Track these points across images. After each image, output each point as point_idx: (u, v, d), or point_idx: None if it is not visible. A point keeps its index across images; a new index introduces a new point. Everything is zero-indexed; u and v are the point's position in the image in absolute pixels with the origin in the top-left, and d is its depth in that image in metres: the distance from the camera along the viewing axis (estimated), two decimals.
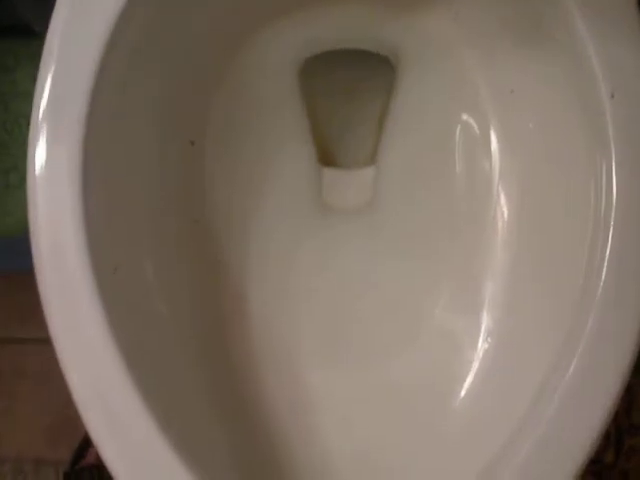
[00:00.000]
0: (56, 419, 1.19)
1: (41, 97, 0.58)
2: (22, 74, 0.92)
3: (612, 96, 0.56)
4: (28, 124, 0.90)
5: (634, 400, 1.09)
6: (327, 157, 0.81)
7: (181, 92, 0.71)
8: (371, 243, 0.78)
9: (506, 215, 0.71)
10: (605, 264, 0.54)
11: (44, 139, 0.57)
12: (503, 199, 0.71)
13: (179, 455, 0.53)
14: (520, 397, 0.59)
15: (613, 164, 0.55)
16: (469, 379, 0.69)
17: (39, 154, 0.56)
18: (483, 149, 0.73)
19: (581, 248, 0.58)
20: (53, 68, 0.58)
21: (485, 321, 0.70)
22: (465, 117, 0.74)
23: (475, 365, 0.69)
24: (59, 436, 1.20)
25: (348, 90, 0.82)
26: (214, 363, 0.71)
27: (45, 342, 1.17)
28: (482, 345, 0.69)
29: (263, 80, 0.78)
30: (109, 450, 0.54)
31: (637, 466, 1.09)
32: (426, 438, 0.69)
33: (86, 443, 1.12)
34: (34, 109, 0.58)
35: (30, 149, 0.57)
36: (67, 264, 0.55)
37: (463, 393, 0.69)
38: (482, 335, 0.70)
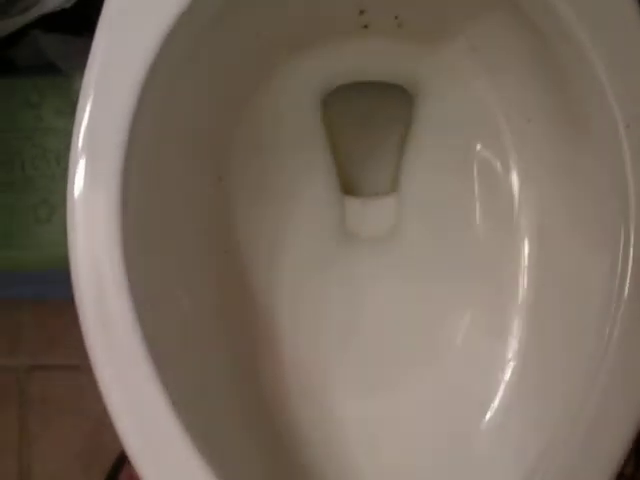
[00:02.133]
0: (87, 444, 1.19)
1: (79, 134, 0.59)
2: (47, 110, 0.93)
3: (628, 126, 0.57)
4: (55, 159, 0.93)
5: None
6: (349, 186, 0.82)
7: (208, 127, 0.73)
8: (395, 270, 0.80)
9: (526, 243, 0.73)
10: (626, 291, 0.56)
11: (82, 176, 0.58)
12: (523, 227, 0.73)
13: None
14: (545, 422, 0.61)
15: (631, 200, 0.56)
16: (495, 403, 0.70)
17: (77, 188, 0.58)
18: (502, 178, 0.75)
19: (602, 279, 0.59)
20: (90, 103, 0.59)
21: (509, 345, 0.71)
22: (483, 146, 0.76)
23: (500, 388, 0.71)
24: (91, 462, 1.20)
25: (368, 119, 0.83)
26: (246, 394, 0.73)
27: (73, 369, 1.19)
28: (506, 369, 0.71)
29: (285, 112, 0.79)
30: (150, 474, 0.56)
31: None
32: (453, 463, 0.70)
33: (118, 468, 1.13)
34: (72, 145, 0.59)
35: (69, 186, 0.58)
36: (107, 298, 0.57)
37: (489, 416, 0.70)
38: (506, 359, 0.71)
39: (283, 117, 0.79)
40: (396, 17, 0.74)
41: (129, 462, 0.56)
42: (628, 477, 1.08)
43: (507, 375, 0.71)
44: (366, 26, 0.75)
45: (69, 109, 0.91)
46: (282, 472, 0.71)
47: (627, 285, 0.56)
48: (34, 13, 0.84)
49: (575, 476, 0.56)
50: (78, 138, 0.58)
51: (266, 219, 0.78)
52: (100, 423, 1.13)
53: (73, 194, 0.58)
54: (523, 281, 0.72)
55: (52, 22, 0.89)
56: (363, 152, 0.83)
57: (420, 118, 0.80)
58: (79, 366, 1.16)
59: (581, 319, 0.63)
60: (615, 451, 0.56)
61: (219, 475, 0.56)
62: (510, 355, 0.71)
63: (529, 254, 0.72)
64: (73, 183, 0.58)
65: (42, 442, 1.22)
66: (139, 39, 0.59)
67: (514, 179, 0.74)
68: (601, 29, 0.58)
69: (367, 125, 0.83)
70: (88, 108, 0.59)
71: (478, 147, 0.77)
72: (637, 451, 1.08)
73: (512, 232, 0.74)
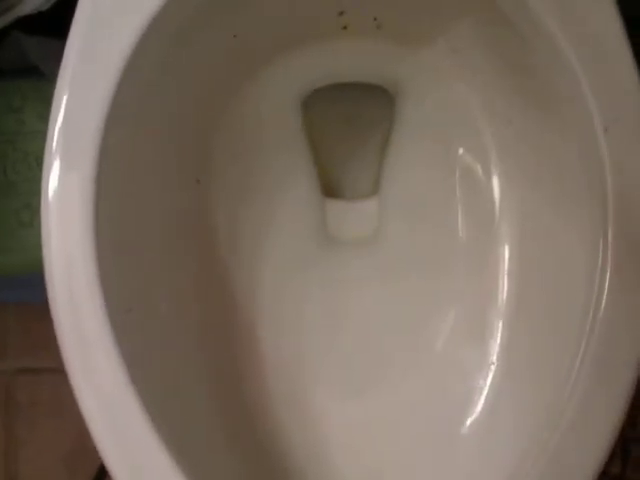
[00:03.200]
0: (73, 448, 1.20)
1: (53, 136, 0.59)
2: (30, 114, 0.94)
3: (606, 129, 0.57)
4: (37, 163, 0.92)
5: (639, 410, 1.09)
6: (330, 188, 0.83)
7: (185, 130, 0.73)
8: (376, 273, 0.79)
9: (507, 246, 0.73)
10: (605, 292, 0.56)
11: (56, 176, 0.58)
12: (504, 230, 0.73)
13: None
14: (527, 424, 0.61)
15: (610, 203, 0.56)
16: (477, 405, 0.71)
17: (52, 192, 0.58)
18: (483, 180, 0.75)
19: (581, 280, 0.59)
20: (65, 104, 0.59)
21: (491, 347, 0.71)
22: (464, 148, 0.76)
23: (483, 390, 0.71)
24: (77, 464, 1.20)
25: (349, 121, 0.83)
26: (228, 397, 0.72)
27: (59, 372, 1.18)
28: (488, 371, 0.71)
29: (264, 115, 0.79)
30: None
31: None
32: (435, 465, 0.70)
33: (103, 470, 1.13)
34: (47, 148, 0.59)
35: (43, 186, 0.58)
36: (80, 305, 0.57)
37: (471, 419, 0.70)
38: (488, 361, 0.71)
39: (263, 119, 0.79)
40: (375, 18, 0.74)
41: None
42: (615, 477, 1.09)
43: (489, 377, 0.71)
44: (345, 27, 0.75)
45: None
46: (263, 476, 0.70)
47: (607, 282, 0.56)
48: (13, 15, 0.84)
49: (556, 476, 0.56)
50: (52, 139, 0.59)
51: (247, 222, 0.78)
52: (86, 426, 1.13)
53: (47, 196, 0.58)
54: (505, 283, 0.72)
55: (34, 25, 0.89)
56: (344, 154, 0.83)
57: (401, 120, 0.80)
58: (65, 370, 1.16)
59: (563, 320, 0.63)
60: (597, 452, 0.56)
61: (188, 472, 0.56)
62: (493, 357, 0.71)
63: (510, 256, 0.72)
64: (47, 184, 0.58)
65: (28, 445, 1.23)
66: (114, 39, 0.59)
67: (495, 181, 0.74)
68: (573, 23, 0.58)
69: (348, 127, 0.84)
70: (62, 109, 0.59)
71: (460, 149, 0.77)
72: (623, 450, 1.08)
73: (494, 234, 0.74)
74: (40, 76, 0.93)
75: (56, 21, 0.88)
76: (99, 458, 1.14)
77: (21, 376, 1.23)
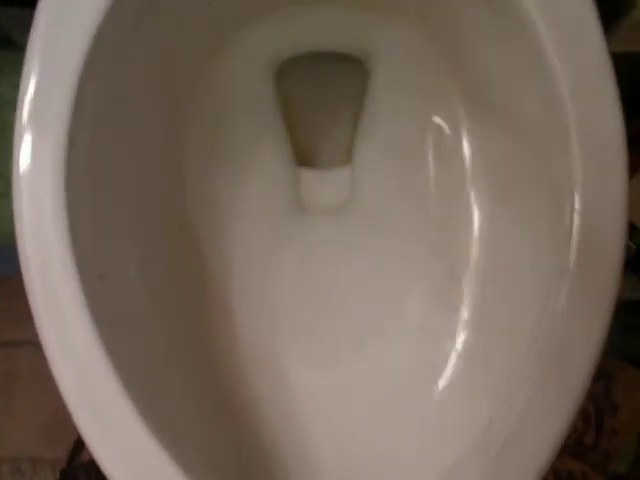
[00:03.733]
0: (52, 419, 1.21)
1: (23, 103, 0.59)
2: (5, 84, 0.94)
3: (573, 96, 0.57)
4: (12, 133, 0.92)
5: (613, 381, 1.10)
6: (304, 158, 0.83)
7: (159, 96, 0.73)
8: (348, 242, 0.80)
9: (477, 215, 0.73)
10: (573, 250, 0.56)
11: (28, 146, 0.58)
12: (474, 199, 0.74)
13: (169, 456, 0.55)
14: (491, 390, 0.62)
15: (576, 179, 0.57)
16: (447, 370, 0.71)
17: (23, 161, 0.58)
18: (454, 150, 0.76)
19: (550, 249, 0.59)
20: (36, 73, 0.59)
21: (460, 315, 0.72)
22: (437, 118, 0.77)
23: (451, 357, 0.71)
24: (55, 435, 1.21)
25: (323, 91, 0.84)
26: (201, 366, 0.73)
27: (38, 345, 1.18)
28: (457, 339, 0.72)
29: (238, 84, 0.79)
30: (103, 454, 0.56)
31: (618, 446, 1.10)
32: (408, 428, 0.71)
33: (81, 442, 1.14)
34: (17, 115, 0.59)
35: (14, 156, 0.58)
36: (53, 273, 0.57)
37: (442, 384, 0.71)
38: (458, 328, 0.72)
39: (237, 88, 0.79)
40: None
41: None
42: (590, 447, 1.10)
43: (458, 345, 0.71)
44: None
45: None
46: (238, 443, 0.71)
47: (573, 250, 0.56)
48: None
49: (519, 443, 0.56)
50: (22, 109, 0.59)
51: (220, 189, 0.78)
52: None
53: (19, 166, 0.58)
54: (474, 252, 0.73)
55: None
56: (318, 124, 0.84)
57: (375, 90, 0.81)
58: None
59: (528, 289, 0.64)
60: (561, 416, 0.57)
61: (172, 449, 0.56)
62: (461, 324, 0.72)
63: (480, 226, 0.73)
64: (18, 155, 0.58)
65: (7, 416, 1.24)
66: (84, 6, 0.59)
67: (466, 148, 0.75)
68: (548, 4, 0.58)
69: (322, 97, 0.84)
70: (33, 78, 0.59)
71: (431, 119, 0.77)
72: (597, 421, 1.10)
73: (464, 204, 0.74)
74: (14, 47, 0.93)
75: None
76: (77, 430, 1.15)
77: (0, 348, 1.24)
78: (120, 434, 0.56)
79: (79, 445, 1.15)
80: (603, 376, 1.10)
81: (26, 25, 0.90)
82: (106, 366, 0.56)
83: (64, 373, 0.57)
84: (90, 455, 1.10)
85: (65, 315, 0.57)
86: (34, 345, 1.20)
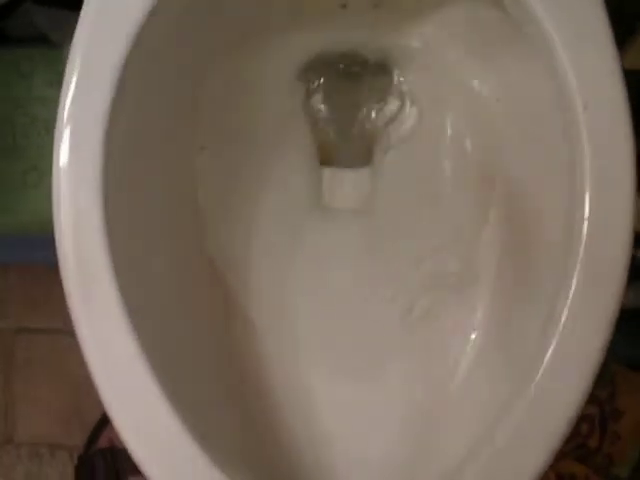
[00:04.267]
0: (70, 406, 1.23)
1: (65, 101, 0.61)
2: (38, 80, 0.96)
3: (585, 108, 0.59)
4: (45, 128, 0.95)
5: (617, 387, 1.12)
6: (326, 157, 0.85)
7: (191, 99, 0.76)
8: (368, 242, 0.82)
9: (491, 218, 0.77)
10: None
11: (67, 143, 0.60)
12: (491, 202, 0.77)
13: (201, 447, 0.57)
14: (499, 393, 0.63)
15: (587, 182, 0.59)
16: (461, 368, 0.74)
17: (63, 158, 0.60)
18: (470, 152, 0.79)
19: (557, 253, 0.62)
20: (77, 72, 0.61)
21: (474, 315, 0.76)
22: (455, 123, 0.80)
23: (466, 355, 0.74)
24: (73, 422, 1.23)
25: (347, 94, 0.86)
26: (221, 362, 0.76)
27: (57, 332, 1.22)
28: (472, 338, 0.75)
29: (263, 85, 0.82)
30: (131, 438, 0.58)
31: (621, 451, 1.12)
32: (422, 427, 0.74)
33: (99, 428, 1.16)
34: (59, 113, 0.61)
35: (55, 152, 0.61)
36: (89, 266, 0.59)
37: (457, 380, 0.74)
38: (472, 327, 0.75)
39: (262, 89, 0.82)
40: None
41: (110, 424, 0.58)
42: (594, 450, 1.12)
43: (471, 343, 0.74)
44: (344, 5, 0.78)
45: (59, 80, 0.93)
46: (260, 449, 0.73)
47: (583, 240, 0.58)
48: None
49: (529, 431, 0.58)
50: (64, 108, 0.61)
51: (244, 187, 0.81)
52: (82, 385, 1.16)
53: (58, 161, 0.61)
54: (491, 255, 0.76)
55: None
56: (341, 124, 0.86)
57: (397, 95, 0.83)
58: (63, 329, 1.19)
59: (539, 287, 0.67)
60: (570, 404, 0.57)
61: (188, 424, 0.58)
62: (475, 323, 0.75)
63: (494, 227, 0.76)
64: (59, 150, 0.61)
65: (26, 402, 1.27)
66: (125, 13, 0.61)
67: (482, 153, 0.78)
68: (559, 7, 0.60)
69: (346, 99, 0.86)
70: (74, 79, 0.62)
71: (449, 123, 0.80)
72: (601, 424, 1.11)
73: (480, 206, 0.77)
74: (49, 44, 0.96)
75: None
76: (95, 416, 1.18)
77: (20, 335, 1.27)
78: (142, 409, 0.58)
79: (97, 432, 1.17)
80: (608, 382, 1.12)
81: (61, 24, 0.94)
82: (133, 346, 0.58)
83: (93, 353, 0.59)
84: (107, 442, 1.13)
85: (98, 307, 0.59)
86: (54, 332, 1.23)
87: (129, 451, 0.58)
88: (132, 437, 0.58)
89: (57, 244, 0.61)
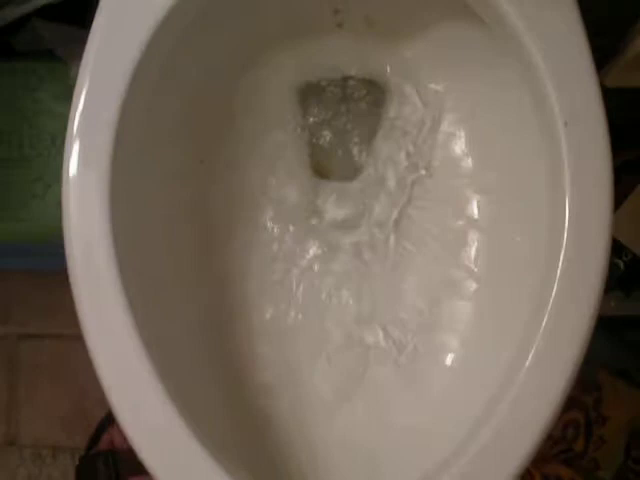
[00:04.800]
0: (72, 409, 1.26)
1: (75, 114, 0.65)
2: (45, 93, 0.99)
3: (565, 124, 0.63)
4: (51, 140, 0.99)
5: (603, 393, 1.15)
6: (320, 170, 0.88)
7: (191, 115, 0.79)
8: (363, 253, 0.85)
9: (476, 213, 0.80)
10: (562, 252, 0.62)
11: (76, 156, 0.64)
12: (473, 216, 0.81)
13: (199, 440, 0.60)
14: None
15: (567, 194, 0.63)
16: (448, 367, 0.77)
17: (72, 170, 0.64)
18: (458, 166, 0.82)
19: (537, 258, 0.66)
20: (86, 89, 0.65)
21: (457, 317, 0.79)
22: (443, 136, 0.83)
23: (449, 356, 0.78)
24: (74, 425, 1.26)
25: (341, 110, 0.89)
26: (218, 353, 0.79)
27: (59, 337, 1.25)
28: (455, 339, 0.78)
29: (260, 102, 0.85)
30: (132, 430, 0.61)
31: (606, 455, 1.15)
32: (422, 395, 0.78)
33: (100, 431, 1.19)
34: (69, 125, 0.65)
35: (64, 163, 0.64)
36: (96, 269, 0.62)
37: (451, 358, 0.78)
38: (455, 331, 0.78)
39: (263, 106, 0.85)
40: (367, 17, 0.81)
41: (111, 426, 0.59)
42: (579, 454, 1.15)
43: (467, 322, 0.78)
44: (340, 25, 0.82)
45: (65, 93, 0.98)
46: (257, 448, 0.75)
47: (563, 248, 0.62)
48: (36, 3, 0.90)
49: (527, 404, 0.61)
50: (74, 121, 0.65)
51: (240, 200, 0.84)
52: (84, 389, 1.21)
53: (68, 172, 0.64)
54: (477, 260, 0.80)
55: (50, 11, 0.95)
56: (335, 139, 0.89)
57: (389, 111, 0.87)
58: (66, 335, 1.22)
59: (524, 282, 0.70)
60: (560, 380, 0.61)
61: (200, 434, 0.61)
62: (468, 298, 0.79)
63: (479, 241, 0.80)
64: (68, 162, 0.64)
65: (29, 406, 1.30)
66: (132, 31, 0.66)
67: (469, 167, 0.82)
68: (539, 25, 0.65)
69: (340, 115, 0.89)
70: (83, 93, 0.65)
71: (436, 140, 0.84)
72: (587, 427, 1.14)
73: (466, 212, 0.81)
74: (55, 59, 0.99)
75: (71, 8, 0.94)
76: (96, 419, 1.21)
77: (24, 341, 1.30)
78: (139, 395, 0.61)
79: (98, 434, 1.19)
80: (593, 388, 1.15)
81: (67, 39, 0.97)
82: (141, 351, 0.61)
83: (96, 340, 0.62)
84: (107, 444, 1.15)
85: (105, 304, 0.62)
86: (56, 338, 1.26)
87: (146, 468, 0.61)
88: (141, 443, 0.61)
89: (67, 253, 0.64)
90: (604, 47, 0.74)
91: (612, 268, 0.64)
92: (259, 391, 0.79)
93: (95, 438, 1.19)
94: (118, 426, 0.61)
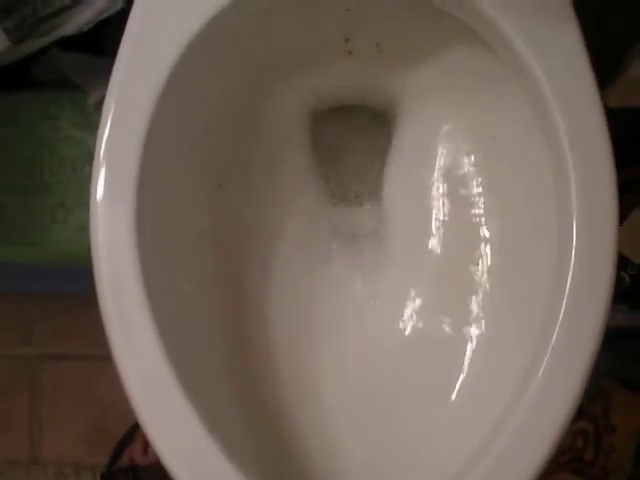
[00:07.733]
0: (92, 428, 1.29)
1: (101, 144, 0.67)
2: (65, 121, 1.02)
3: (572, 146, 0.66)
4: (71, 166, 1.02)
5: (612, 404, 1.17)
6: (337, 194, 0.91)
7: (209, 143, 0.82)
8: (376, 272, 0.88)
9: (488, 249, 0.82)
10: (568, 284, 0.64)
11: (103, 180, 0.66)
12: (485, 237, 0.82)
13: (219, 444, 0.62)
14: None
15: (574, 216, 0.65)
16: (461, 379, 0.79)
17: (99, 194, 0.66)
18: (469, 190, 0.84)
19: (547, 273, 0.67)
20: (111, 118, 0.68)
21: (470, 330, 0.80)
22: (452, 165, 0.85)
23: (463, 368, 0.79)
24: (96, 442, 1.29)
25: (353, 138, 0.93)
26: (240, 373, 0.80)
27: (81, 358, 1.27)
28: (468, 351, 0.80)
29: (275, 128, 0.88)
30: (159, 439, 0.62)
31: (616, 464, 1.16)
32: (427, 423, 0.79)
33: (121, 448, 1.21)
34: (95, 154, 0.67)
35: (92, 188, 0.66)
36: (124, 291, 0.64)
37: (457, 389, 0.78)
38: (468, 343, 0.80)
39: (278, 132, 0.88)
40: (377, 44, 0.83)
41: (131, 443, 0.60)
42: (589, 463, 1.17)
43: (468, 357, 0.79)
44: (350, 52, 0.84)
45: (84, 121, 1.01)
46: (273, 446, 0.78)
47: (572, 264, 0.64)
48: (56, 35, 0.93)
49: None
50: (100, 147, 0.67)
51: (258, 223, 0.86)
52: (104, 408, 1.23)
53: (95, 199, 0.66)
54: (485, 283, 0.81)
55: (68, 42, 0.98)
56: (351, 163, 0.93)
57: (401, 135, 0.90)
58: (87, 355, 1.25)
59: (529, 309, 0.72)
60: (572, 391, 0.62)
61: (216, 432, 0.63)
62: (470, 338, 0.80)
63: (491, 258, 0.82)
64: (95, 186, 0.67)
65: (51, 425, 1.33)
66: (155, 63, 0.68)
67: (478, 192, 0.84)
68: (545, 53, 0.68)
69: (352, 144, 0.93)
70: (109, 120, 0.68)
71: (447, 161, 0.86)
72: (596, 437, 1.16)
73: (477, 243, 0.82)
74: (74, 87, 1.02)
75: (89, 39, 0.97)
76: (117, 438, 1.23)
77: (45, 361, 1.32)
78: (166, 406, 0.63)
79: (119, 451, 1.21)
80: (602, 399, 1.16)
81: (86, 69, 1.00)
82: (164, 362, 0.63)
83: (125, 359, 0.64)
84: (128, 460, 1.17)
85: (134, 325, 0.64)
86: (77, 358, 1.28)
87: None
88: (171, 457, 0.62)
89: (95, 276, 0.66)
90: (605, 68, 0.76)
91: (618, 281, 0.66)
92: (280, 407, 0.80)
93: (116, 455, 1.22)
94: (138, 443, 0.62)
